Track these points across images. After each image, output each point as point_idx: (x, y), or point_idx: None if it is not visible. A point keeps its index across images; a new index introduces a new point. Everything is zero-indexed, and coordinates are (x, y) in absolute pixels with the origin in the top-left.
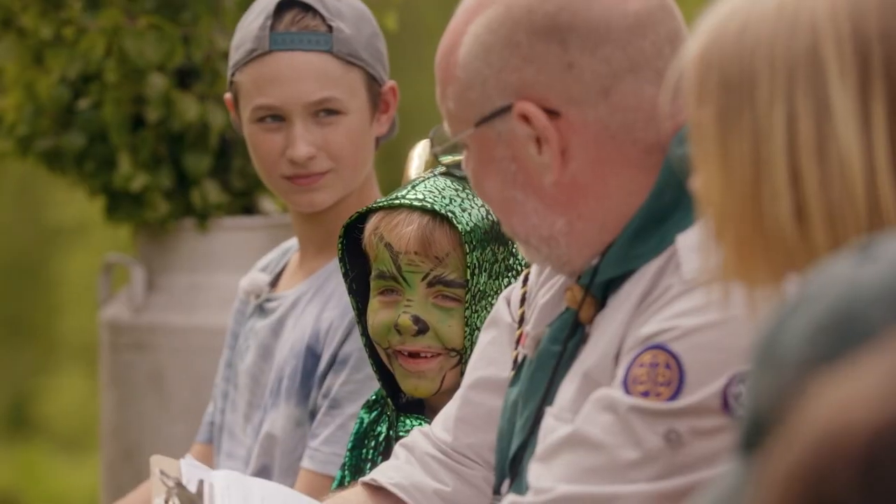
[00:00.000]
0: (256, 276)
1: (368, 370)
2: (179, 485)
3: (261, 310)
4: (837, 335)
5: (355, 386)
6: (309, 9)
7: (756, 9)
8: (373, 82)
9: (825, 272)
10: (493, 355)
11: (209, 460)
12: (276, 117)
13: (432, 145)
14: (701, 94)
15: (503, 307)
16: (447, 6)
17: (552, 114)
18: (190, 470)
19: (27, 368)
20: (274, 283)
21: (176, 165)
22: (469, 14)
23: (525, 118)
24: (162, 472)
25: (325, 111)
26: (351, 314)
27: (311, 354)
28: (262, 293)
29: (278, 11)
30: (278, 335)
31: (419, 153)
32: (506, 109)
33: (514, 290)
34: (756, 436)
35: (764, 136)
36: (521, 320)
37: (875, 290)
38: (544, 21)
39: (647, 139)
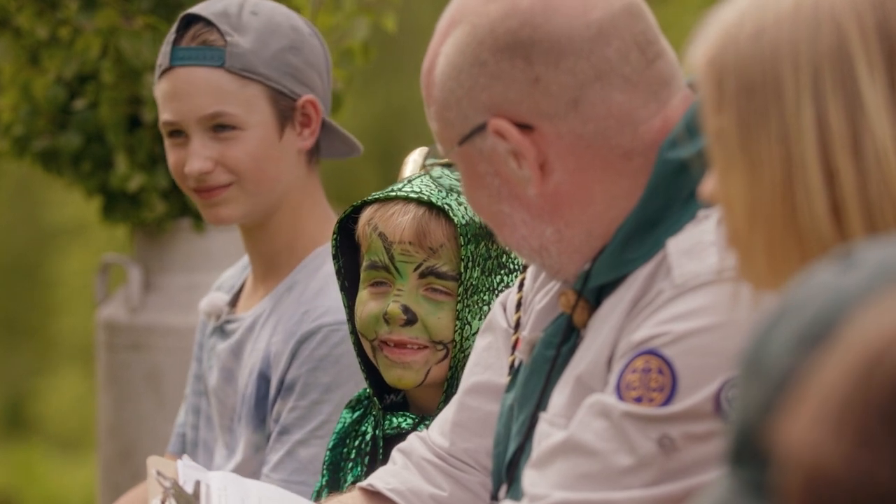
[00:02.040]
0: (215, 297)
1: (314, 396)
2: (176, 485)
3: (221, 331)
4: (823, 344)
5: (302, 412)
6: (210, 24)
7: (770, 11)
8: (279, 97)
9: (808, 281)
10: (489, 360)
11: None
12: (179, 132)
13: (424, 164)
14: (720, 100)
15: (499, 312)
16: (444, 8)
17: (525, 128)
18: (187, 471)
19: (24, 368)
20: (234, 302)
21: None
22: (441, 36)
23: (500, 134)
24: (159, 473)
25: (221, 126)
26: (294, 339)
27: (264, 379)
28: (222, 314)
29: (183, 27)
30: (239, 358)
31: (414, 159)
32: (482, 127)
33: (510, 295)
34: (745, 447)
35: (794, 137)
36: (517, 325)
37: (859, 299)
38: (507, 38)
39: (624, 145)
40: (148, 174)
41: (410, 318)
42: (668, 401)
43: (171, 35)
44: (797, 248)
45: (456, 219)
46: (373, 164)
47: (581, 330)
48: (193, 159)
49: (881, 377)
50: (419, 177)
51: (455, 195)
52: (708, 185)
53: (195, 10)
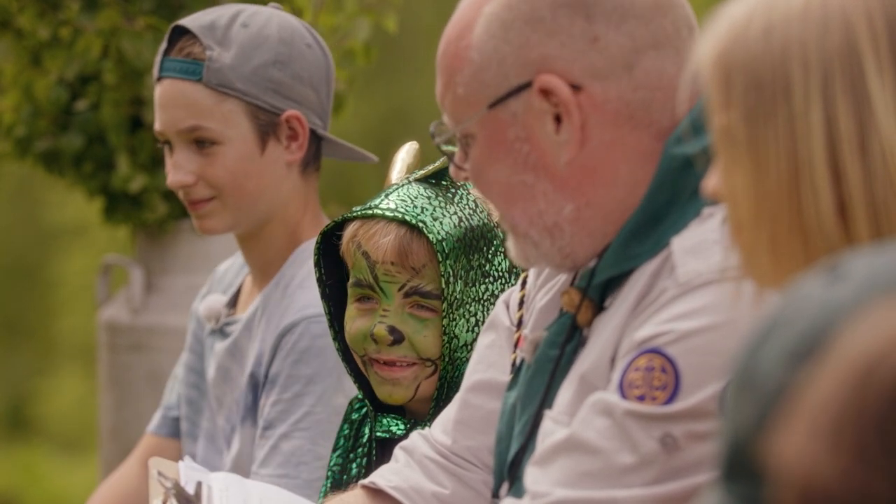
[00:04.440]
0: (213, 300)
1: (297, 388)
2: (177, 486)
3: (221, 332)
4: (813, 358)
5: (285, 405)
6: (195, 36)
7: (778, 9)
8: (259, 112)
9: (796, 294)
10: (491, 358)
11: (167, 454)
12: (168, 143)
13: (433, 137)
14: (727, 97)
15: (502, 310)
16: (445, 8)
17: (574, 88)
18: (188, 472)
19: (26, 369)
20: (233, 303)
21: None
22: (480, 1)
23: (546, 93)
24: (160, 474)
25: (201, 140)
26: (276, 333)
27: (254, 377)
28: (221, 317)
29: (173, 37)
30: (237, 359)
31: (402, 157)
32: (524, 87)
33: (513, 292)
34: (737, 462)
35: (801, 136)
36: (520, 323)
37: (848, 311)
38: None
39: (662, 122)
40: (149, 175)
41: (397, 338)
42: (670, 399)
43: (163, 45)
44: (802, 247)
45: (431, 235)
46: (373, 164)
47: (585, 329)
48: (174, 172)
49: (875, 390)
50: (397, 188)
51: (430, 209)
52: (712, 181)
53: (185, 21)
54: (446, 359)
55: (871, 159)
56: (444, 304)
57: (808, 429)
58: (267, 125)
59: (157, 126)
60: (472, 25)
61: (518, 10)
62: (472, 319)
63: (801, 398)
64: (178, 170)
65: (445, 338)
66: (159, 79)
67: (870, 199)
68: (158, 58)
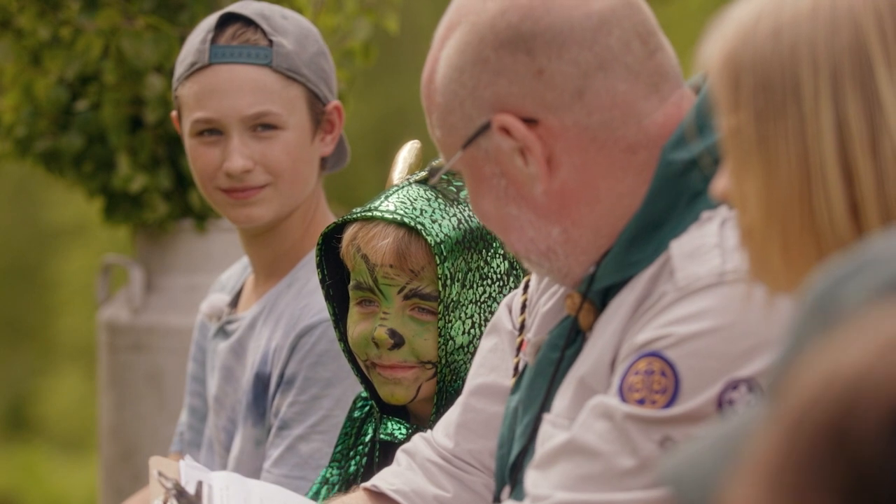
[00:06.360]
0: (215, 299)
1: (315, 391)
2: (178, 486)
3: (223, 331)
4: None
5: (302, 407)
6: (251, 23)
7: (787, 9)
8: (315, 100)
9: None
10: (494, 362)
11: None
12: (214, 131)
13: (430, 176)
14: (736, 98)
15: (504, 314)
16: (444, 9)
17: (530, 122)
18: (189, 471)
19: (26, 369)
20: (235, 303)
21: (174, 166)
22: (440, 42)
23: (505, 131)
24: (160, 474)
25: (262, 125)
26: (294, 333)
27: (260, 375)
28: (223, 315)
29: (220, 25)
30: (240, 357)
31: (404, 157)
32: (486, 126)
33: (515, 297)
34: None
35: (812, 137)
36: (522, 327)
37: None
38: (507, 33)
39: (629, 137)
40: (150, 175)
41: (398, 342)
42: (670, 403)
43: (206, 33)
44: (814, 248)
45: (430, 238)
46: (373, 164)
47: (586, 333)
48: (235, 157)
49: (807, 433)
50: (397, 190)
51: (430, 211)
52: (721, 183)
53: (235, 8)
54: (443, 361)
55: (882, 159)
56: (441, 307)
57: (752, 475)
58: (318, 114)
59: (209, 113)
60: (437, 68)
61: (466, 53)
62: (469, 322)
63: (751, 444)
64: (239, 155)
65: (441, 340)
66: (206, 66)
67: (882, 199)
68: (203, 45)
